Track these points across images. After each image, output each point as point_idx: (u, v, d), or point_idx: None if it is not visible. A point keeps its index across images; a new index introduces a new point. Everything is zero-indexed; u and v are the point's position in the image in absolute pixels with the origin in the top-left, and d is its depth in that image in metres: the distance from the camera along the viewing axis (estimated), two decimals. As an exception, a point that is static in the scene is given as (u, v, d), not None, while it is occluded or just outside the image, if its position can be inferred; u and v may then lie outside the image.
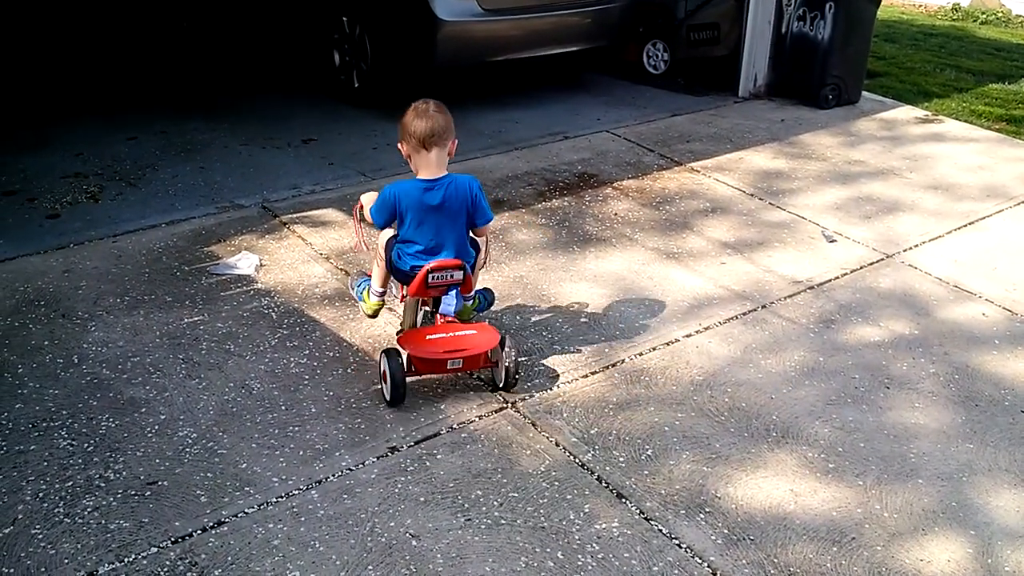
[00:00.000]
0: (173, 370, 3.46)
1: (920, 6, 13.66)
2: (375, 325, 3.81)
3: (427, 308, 3.49)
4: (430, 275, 3.23)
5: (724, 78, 7.25)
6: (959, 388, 3.55)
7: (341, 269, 4.26)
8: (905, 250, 4.68)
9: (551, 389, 3.44)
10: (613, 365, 3.62)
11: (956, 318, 4.05)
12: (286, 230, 4.64)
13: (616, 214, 5.00)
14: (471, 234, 3.43)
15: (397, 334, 3.53)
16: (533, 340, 3.76)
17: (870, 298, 4.21)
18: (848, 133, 6.39)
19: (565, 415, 3.29)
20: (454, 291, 3.33)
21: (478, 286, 3.63)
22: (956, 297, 4.24)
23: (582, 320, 3.93)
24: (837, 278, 4.39)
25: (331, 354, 3.60)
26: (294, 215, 4.79)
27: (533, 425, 3.23)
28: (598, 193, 5.26)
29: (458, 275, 3.28)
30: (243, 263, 4.23)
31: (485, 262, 3.61)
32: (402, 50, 6.28)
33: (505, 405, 3.34)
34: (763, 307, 4.11)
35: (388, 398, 3.28)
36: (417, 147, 3.28)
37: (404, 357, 3.27)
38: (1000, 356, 3.77)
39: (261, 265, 4.25)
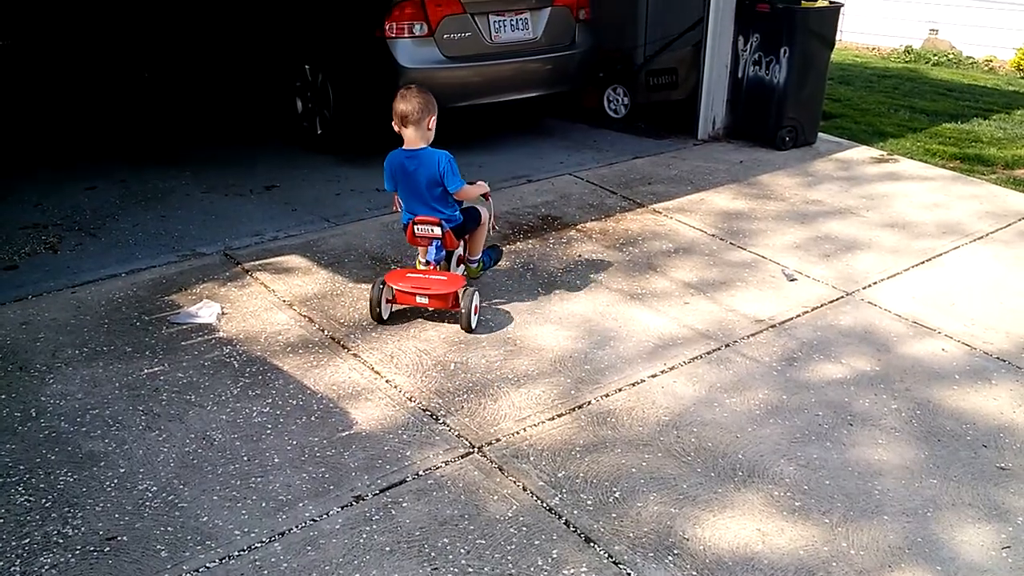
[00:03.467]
0: (133, 422, 3.40)
1: (874, 49, 14.04)
2: (339, 372, 3.78)
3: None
4: (416, 227, 4.12)
5: (683, 121, 7.37)
6: (921, 424, 3.58)
7: (305, 316, 4.24)
8: (864, 287, 4.74)
9: (518, 433, 3.43)
10: (580, 407, 3.61)
11: (916, 354, 4.11)
12: (248, 277, 4.61)
13: (580, 256, 5.03)
14: (460, 196, 4.19)
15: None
16: (499, 384, 3.74)
17: (831, 336, 4.25)
18: (806, 174, 6.51)
19: (532, 459, 3.28)
20: (435, 243, 4.14)
21: (480, 250, 4.48)
22: (916, 333, 4.30)
23: (548, 362, 3.93)
24: (798, 316, 4.43)
25: (294, 402, 3.56)
26: (257, 262, 4.77)
27: (500, 470, 3.21)
28: (562, 236, 5.30)
29: (436, 230, 4.10)
30: (204, 312, 4.19)
31: (490, 228, 4.47)
32: (365, 97, 6.33)
33: (472, 450, 3.31)
34: (727, 346, 4.14)
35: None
36: (398, 124, 4.10)
37: (388, 288, 4.13)
38: (960, 391, 3.82)
39: (223, 313, 4.21)
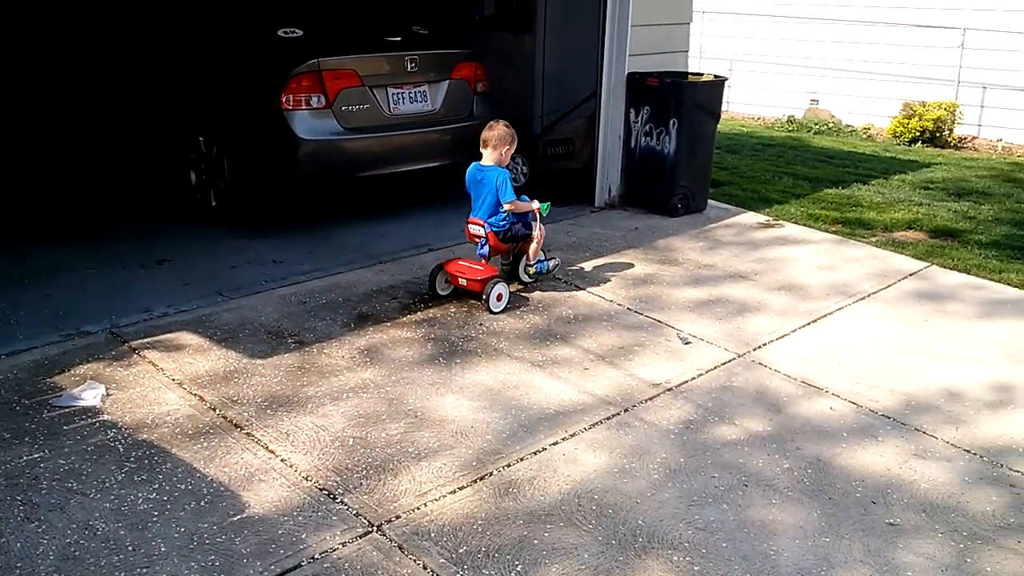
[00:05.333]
0: (10, 513, 3.21)
1: (758, 118, 14.72)
2: (232, 452, 3.66)
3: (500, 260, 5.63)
4: (469, 226, 5.43)
5: (581, 189, 7.55)
6: (813, 482, 3.67)
7: (195, 395, 4.11)
8: (756, 349, 4.88)
9: (419, 508, 3.37)
10: (482, 478, 3.58)
11: (806, 413, 4.23)
12: (136, 356, 4.45)
13: (482, 325, 5.04)
14: (505, 207, 5.31)
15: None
16: (400, 458, 3.69)
17: (725, 397, 4.35)
18: (698, 239, 6.72)
19: (433, 535, 3.22)
20: (481, 242, 5.36)
21: (540, 256, 5.54)
22: (805, 393, 4.43)
23: (450, 434, 3.89)
24: (694, 379, 4.53)
25: (183, 487, 3.43)
26: (145, 340, 4.62)
27: (400, 548, 3.14)
28: (463, 304, 5.30)
29: (480, 231, 5.36)
30: (88, 394, 4.02)
31: (539, 239, 5.47)
32: (262, 169, 6.28)
33: (371, 529, 3.24)
34: (626, 411, 4.19)
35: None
36: (481, 145, 5.38)
37: (444, 272, 5.33)
38: (849, 449, 3.94)
39: (108, 395, 4.05)
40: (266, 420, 3.93)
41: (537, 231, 5.45)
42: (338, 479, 3.53)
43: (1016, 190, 9.02)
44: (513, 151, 5.44)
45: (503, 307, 5.23)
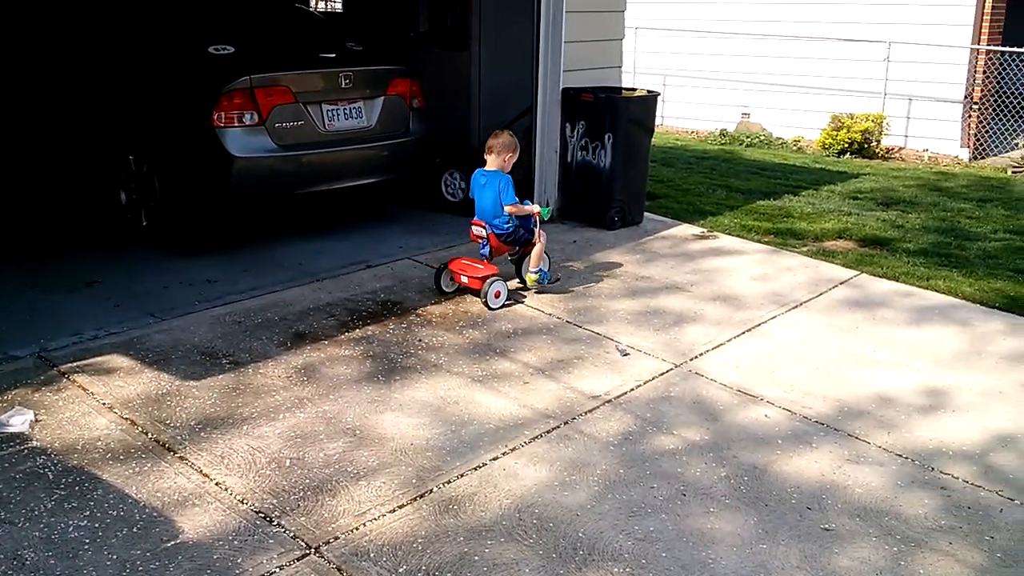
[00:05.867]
0: (-72, 548, 3.09)
1: (692, 132, 14.97)
2: (165, 477, 3.58)
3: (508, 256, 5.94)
4: (472, 227, 5.74)
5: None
6: (749, 490, 3.73)
7: (127, 419, 4.01)
8: (692, 359, 4.95)
9: (358, 529, 3.33)
10: (421, 496, 3.56)
11: (742, 421, 4.29)
12: (65, 380, 4.33)
13: (421, 341, 5.02)
14: (507, 210, 5.61)
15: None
16: (338, 478, 3.64)
17: (663, 408, 4.40)
18: (635, 252, 6.79)
19: (372, 555, 3.19)
20: (483, 242, 5.69)
21: (542, 266, 5.81)
22: (741, 401, 4.50)
23: (390, 452, 3.86)
24: (632, 390, 4.56)
25: (115, 513, 3.34)
26: (75, 364, 4.50)
27: (338, 570, 3.10)
28: (402, 321, 5.28)
29: (482, 232, 5.68)
30: (15, 420, 3.89)
31: (542, 244, 5.75)
32: (194, 187, 6.18)
33: (308, 551, 3.19)
34: (566, 424, 4.20)
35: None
36: (485, 152, 5.74)
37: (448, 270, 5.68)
38: (784, 455, 4.01)
39: (36, 421, 3.93)
40: (200, 443, 3.85)
41: (538, 236, 5.74)
42: (275, 501, 3.47)
43: (942, 199, 9.31)
44: (515, 159, 5.78)
45: (501, 304, 5.55)
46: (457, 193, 7.76)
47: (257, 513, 3.39)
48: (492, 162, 5.70)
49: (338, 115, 6.49)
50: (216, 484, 3.57)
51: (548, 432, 4.12)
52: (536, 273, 5.78)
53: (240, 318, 5.20)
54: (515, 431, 4.11)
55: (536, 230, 5.73)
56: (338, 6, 15.67)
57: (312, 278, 5.89)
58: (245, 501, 3.46)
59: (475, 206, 5.77)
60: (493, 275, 5.54)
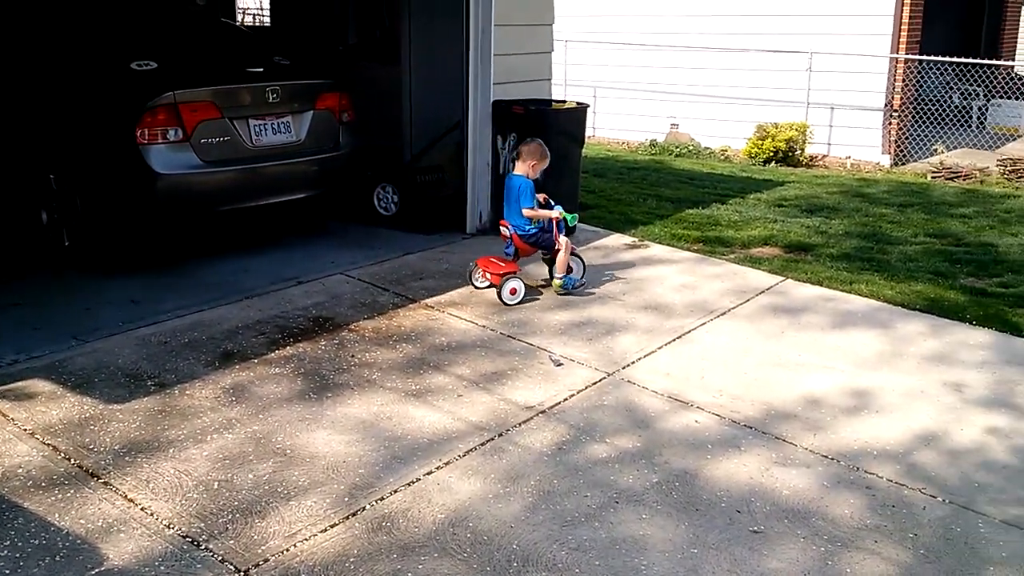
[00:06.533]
0: None
1: (623, 143, 15.15)
2: (88, 503, 3.49)
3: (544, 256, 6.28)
4: (501, 227, 6.12)
5: (453, 217, 7.58)
6: (680, 495, 3.78)
7: (49, 445, 3.89)
8: (624, 367, 5.00)
9: (288, 550, 3.28)
10: (354, 514, 3.53)
11: (673, 428, 4.35)
12: (-17, 407, 4.19)
13: (353, 357, 4.97)
14: (525, 213, 5.95)
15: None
16: (268, 499, 3.59)
17: (596, 416, 4.43)
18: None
19: None
20: (508, 242, 6.05)
21: (575, 272, 6.15)
22: (672, 408, 4.56)
23: (321, 471, 3.82)
24: (566, 400, 4.59)
25: (37, 542, 3.24)
26: (-8, 390, 4.36)
27: (269, 592, 3.05)
28: (334, 337, 5.23)
29: (506, 232, 6.05)
30: (-72, 450, 3.76)
31: (567, 250, 6.00)
32: (118, 206, 6.05)
33: (238, 575, 3.13)
34: (500, 436, 4.21)
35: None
36: (516, 157, 6.12)
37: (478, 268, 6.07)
38: (713, 460, 4.07)
39: (-50, 450, 3.79)
40: (124, 468, 3.76)
41: (557, 239, 5.98)
42: (202, 525, 3.41)
43: (864, 204, 9.58)
44: (542, 167, 6.06)
45: (517, 301, 5.85)
46: (390, 207, 7.74)
47: (184, 538, 3.32)
48: (519, 167, 6.03)
49: (266, 130, 6.42)
50: (142, 509, 3.49)
51: (482, 444, 4.12)
52: (561, 278, 6.04)
53: (166, 338, 5.09)
54: (449, 445, 4.10)
55: (556, 233, 5.99)
56: (266, 21, 15.52)
57: (241, 296, 5.80)
58: (172, 526, 3.39)
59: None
60: (510, 273, 5.85)
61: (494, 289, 5.91)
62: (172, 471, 3.75)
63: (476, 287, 6.04)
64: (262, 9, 18.51)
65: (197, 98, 6.06)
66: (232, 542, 3.31)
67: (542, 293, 6.08)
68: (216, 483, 3.68)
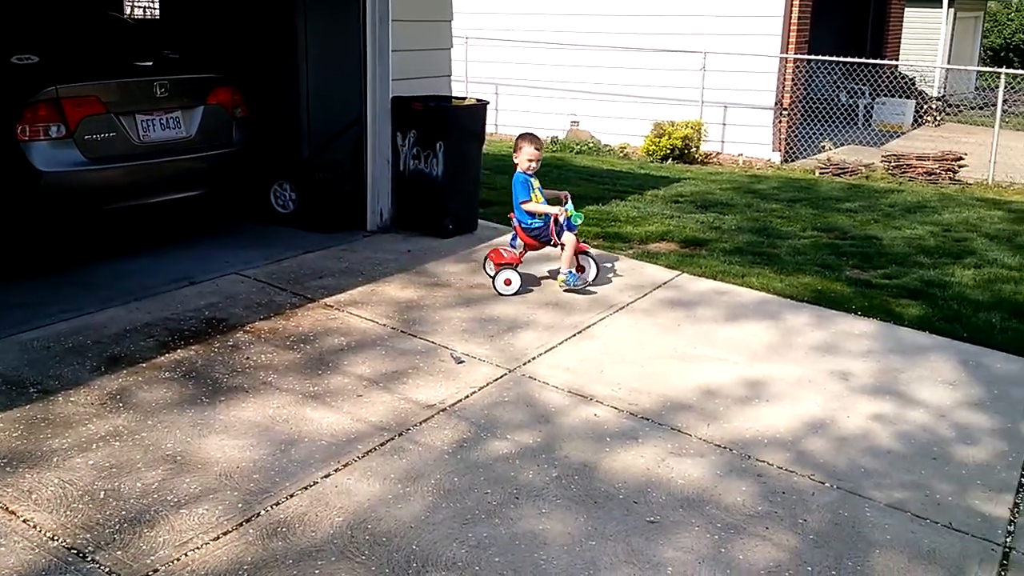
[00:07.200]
0: None
1: (526, 139, 15.21)
2: (-37, 519, 3.31)
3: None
4: (511, 219, 6.29)
5: (353, 214, 7.48)
6: (580, 488, 3.82)
7: (-82, 459, 3.68)
8: (525, 363, 5.02)
9: (179, 559, 3.18)
10: (248, 520, 3.44)
11: (572, 422, 4.40)
12: None
13: (248, 359, 4.86)
14: (523, 208, 6.10)
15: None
16: (157, 508, 3.47)
17: (497, 413, 4.44)
18: (469, 259, 6.83)
19: (196, 585, 3.06)
20: (512, 234, 6.28)
21: (568, 268, 6.07)
22: (572, 402, 4.61)
23: (214, 477, 3.71)
24: (467, 397, 4.59)
25: (-97, 563, 3.05)
26: None
27: (158, 603, 2.96)
28: (228, 339, 5.10)
29: (514, 223, 6.21)
30: None
31: (571, 247, 6.02)
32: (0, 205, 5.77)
33: (126, 587, 3.03)
34: (400, 435, 4.17)
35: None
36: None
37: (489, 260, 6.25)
38: (612, 452, 4.13)
39: None
40: (5, 479, 3.58)
41: (565, 238, 6.00)
42: (88, 536, 3.27)
43: (756, 200, 9.88)
44: (532, 159, 6.13)
45: (511, 292, 5.99)
46: (288, 205, 7.58)
47: (69, 550, 3.19)
48: (519, 162, 6.18)
49: (154, 126, 6.21)
50: (24, 521, 3.33)
51: (382, 445, 4.08)
52: (565, 275, 6.08)
53: (50, 343, 4.87)
54: (348, 446, 4.04)
55: (553, 230, 6.03)
56: (157, 14, 15.00)
57: (130, 297, 5.60)
58: (56, 538, 3.25)
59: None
60: (508, 264, 6.01)
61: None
62: (56, 481, 3.59)
63: (489, 275, 6.19)
64: (153, 2, 17.91)
65: (81, 93, 5.81)
66: (120, 553, 3.19)
67: (540, 285, 6.27)
68: (103, 492, 3.54)
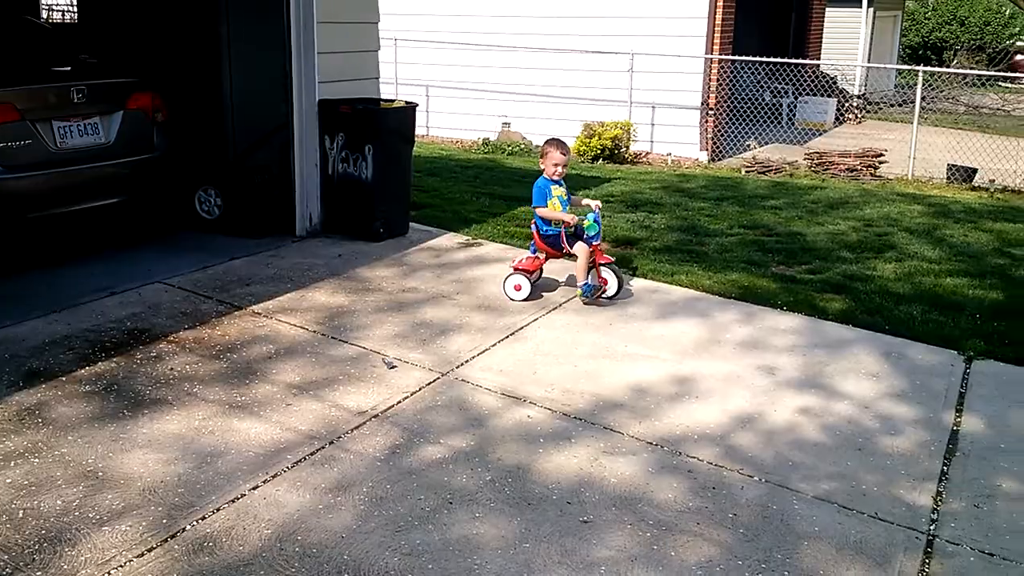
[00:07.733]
0: None
1: (457, 142, 15.21)
2: None
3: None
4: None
5: (282, 219, 7.36)
6: (513, 491, 3.81)
7: None
8: (458, 367, 5.00)
9: (101, 579, 3.09)
10: (173, 536, 3.35)
11: (506, 424, 4.39)
12: None
13: (172, 370, 4.74)
14: (537, 212, 6.00)
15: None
16: (78, 526, 3.36)
17: (430, 417, 4.41)
18: (401, 263, 6.78)
19: (119, 605, 2.96)
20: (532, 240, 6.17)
21: (582, 279, 5.96)
22: (505, 404, 4.60)
23: (137, 492, 3.61)
24: (399, 403, 4.55)
25: None
26: None
27: (79, 626, 2.86)
28: (151, 349, 4.97)
29: (533, 229, 6.12)
30: None
31: (585, 257, 5.89)
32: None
33: (44, 610, 2.92)
34: (331, 443, 4.11)
35: None
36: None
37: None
38: (545, 454, 4.13)
39: None
40: (-88, 504, 3.43)
41: (578, 248, 5.89)
42: (6, 557, 3.15)
43: (684, 199, 10.01)
44: (558, 164, 5.94)
45: (521, 298, 5.99)
46: (213, 210, 7.42)
47: (-17, 575, 3.07)
48: (544, 168, 6.05)
49: (71, 132, 6.03)
50: (-68, 548, 3.19)
51: (312, 454, 4.01)
52: (579, 286, 6.00)
53: (-38, 359, 4.69)
54: (277, 456, 3.97)
55: (568, 239, 5.93)
56: (75, 18, 14.57)
57: (48, 309, 5.42)
58: (-32, 563, 3.12)
59: None
60: (524, 270, 5.97)
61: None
62: (-33, 504, 3.46)
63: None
64: (71, 5, 17.39)
65: (-7, 99, 5.62)
66: (40, 573, 3.08)
67: (554, 290, 6.29)
68: (21, 511, 3.42)
